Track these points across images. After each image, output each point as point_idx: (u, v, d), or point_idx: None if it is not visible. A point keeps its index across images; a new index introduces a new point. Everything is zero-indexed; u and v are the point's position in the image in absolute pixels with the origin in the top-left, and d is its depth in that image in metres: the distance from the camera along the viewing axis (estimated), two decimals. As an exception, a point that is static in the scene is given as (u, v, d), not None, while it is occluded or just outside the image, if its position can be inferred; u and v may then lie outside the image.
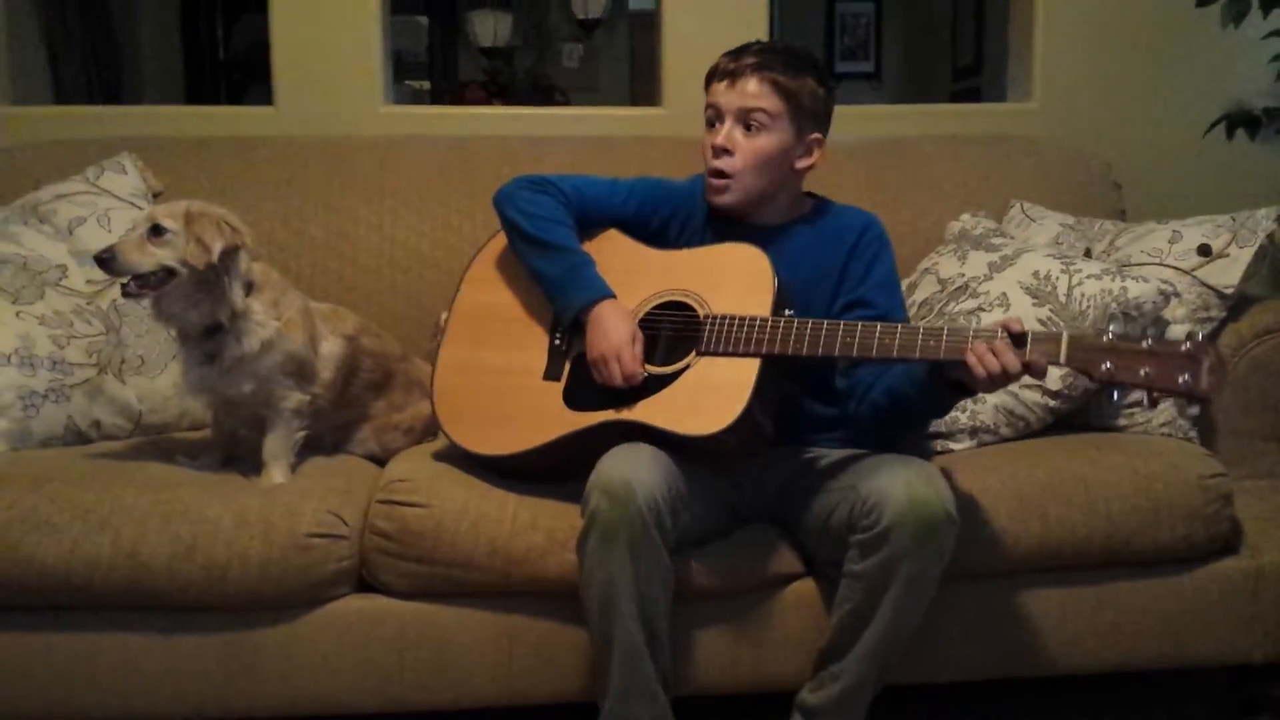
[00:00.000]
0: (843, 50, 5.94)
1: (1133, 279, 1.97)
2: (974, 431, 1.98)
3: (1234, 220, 2.09)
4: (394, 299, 2.35)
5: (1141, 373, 1.48)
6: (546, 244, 1.83)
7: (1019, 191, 2.51)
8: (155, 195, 2.35)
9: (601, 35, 6.17)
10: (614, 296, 1.78)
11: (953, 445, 1.99)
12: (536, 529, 1.74)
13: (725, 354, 1.69)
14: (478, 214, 2.39)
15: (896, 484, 1.59)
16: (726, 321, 1.71)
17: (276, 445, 1.88)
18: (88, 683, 1.72)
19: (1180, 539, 1.85)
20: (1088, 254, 2.19)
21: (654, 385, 1.72)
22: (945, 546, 1.60)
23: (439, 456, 1.92)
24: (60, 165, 2.36)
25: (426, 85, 6.20)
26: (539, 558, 1.73)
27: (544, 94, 5.89)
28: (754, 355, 1.67)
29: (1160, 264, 2.08)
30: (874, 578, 1.60)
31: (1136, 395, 1.49)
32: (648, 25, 3.16)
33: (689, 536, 1.72)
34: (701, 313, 1.75)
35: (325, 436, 2.03)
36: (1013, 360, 1.53)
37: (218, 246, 1.77)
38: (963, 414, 1.98)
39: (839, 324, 1.66)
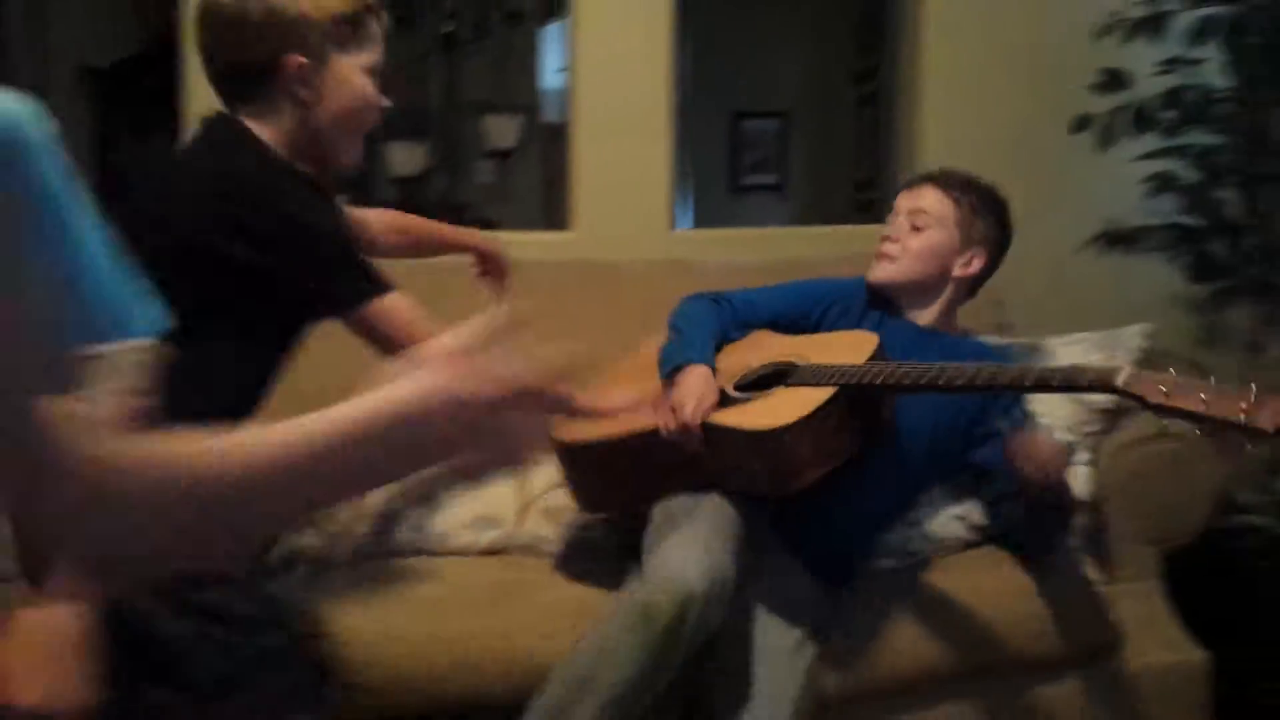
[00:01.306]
0: (750, 164, 6.17)
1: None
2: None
3: (1106, 336, 2.23)
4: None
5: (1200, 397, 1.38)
6: (679, 330, 1.94)
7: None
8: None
9: (515, 154, 6.29)
10: (712, 366, 1.84)
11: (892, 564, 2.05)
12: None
13: (807, 385, 1.75)
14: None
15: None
16: (818, 366, 1.78)
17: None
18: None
19: (1064, 645, 1.93)
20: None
21: (733, 403, 1.78)
22: None
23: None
24: None
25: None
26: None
27: (455, 214, 5.96)
28: (831, 385, 1.71)
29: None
30: None
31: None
32: (559, 136, 3.23)
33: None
34: (801, 363, 1.82)
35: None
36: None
37: None
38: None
39: (927, 365, 1.68)
